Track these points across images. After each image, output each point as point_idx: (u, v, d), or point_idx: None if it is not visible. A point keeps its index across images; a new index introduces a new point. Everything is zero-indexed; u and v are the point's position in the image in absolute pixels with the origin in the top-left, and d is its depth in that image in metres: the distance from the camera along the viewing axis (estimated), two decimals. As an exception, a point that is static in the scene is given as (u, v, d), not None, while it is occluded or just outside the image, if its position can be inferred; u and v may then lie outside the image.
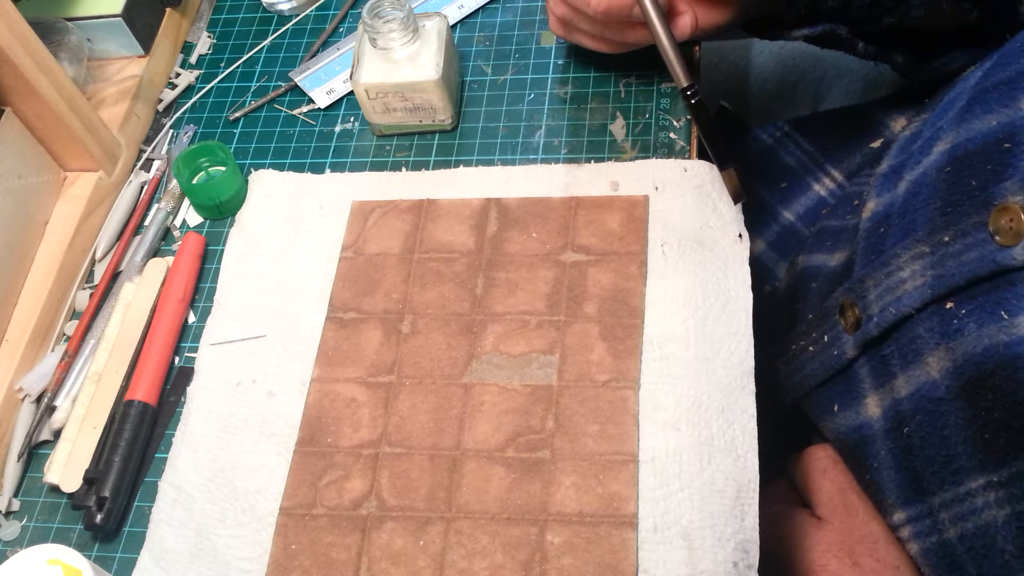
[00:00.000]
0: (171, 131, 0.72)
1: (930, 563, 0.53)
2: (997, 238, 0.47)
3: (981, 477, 0.49)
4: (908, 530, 0.54)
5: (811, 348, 0.61)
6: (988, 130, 0.50)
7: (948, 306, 0.50)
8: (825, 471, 0.59)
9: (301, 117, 0.71)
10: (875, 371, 0.56)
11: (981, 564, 0.50)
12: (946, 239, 0.50)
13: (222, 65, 0.75)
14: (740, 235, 0.58)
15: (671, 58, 0.56)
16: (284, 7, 0.77)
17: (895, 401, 0.54)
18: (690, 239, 0.59)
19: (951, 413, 0.50)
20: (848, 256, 0.62)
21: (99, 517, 0.54)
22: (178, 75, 0.75)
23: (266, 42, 0.76)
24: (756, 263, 0.71)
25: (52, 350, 0.63)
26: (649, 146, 0.64)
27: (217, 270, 0.64)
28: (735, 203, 0.59)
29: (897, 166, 0.59)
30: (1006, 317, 0.46)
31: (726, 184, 0.59)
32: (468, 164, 0.66)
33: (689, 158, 0.63)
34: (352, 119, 0.70)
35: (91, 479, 0.55)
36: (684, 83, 0.56)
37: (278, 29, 0.76)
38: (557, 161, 0.64)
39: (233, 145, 0.70)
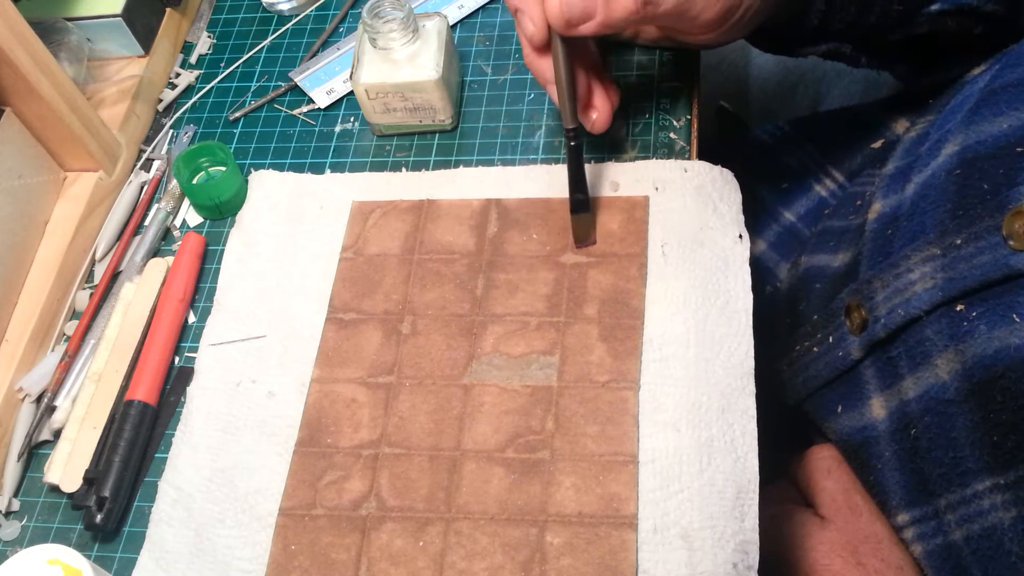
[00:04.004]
0: (171, 131, 0.72)
1: (934, 565, 0.53)
2: (1011, 242, 0.47)
3: (988, 479, 0.49)
4: (912, 531, 0.54)
5: (815, 349, 0.61)
6: (999, 133, 0.50)
7: (958, 308, 0.50)
8: (829, 471, 0.59)
9: (301, 117, 0.71)
10: (881, 372, 0.56)
11: (987, 566, 0.50)
12: (958, 242, 0.50)
13: (222, 65, 0.75)
14: (740, 236, 0.58)
15: (563, 99, 0.57)
16: (284, 7, 0.77)
17: (902, 403, 0.54)
18: (690, 240, 0.59)
19: (960, 415, 0.50)
20: (852, 257, 0.62)
21: (99, 517, 0.54)
22: (178, 75, 0.75)
23: (266, 42, 0.76)
24: (757, 264, 0.71)
25: (52, 350, 0.63)
26: (649, 146, 0.64)
27: (217, 270, 0.64)
28: (576, 247, 0.60)
29: (904, 168, 0.59)
30: (1017, 320, 0.46)
31: (572, 228, 0.60)
32: (468, 164, 0.66)
33: (689, 158, 0.63)
34: (352, 119, 0.70)
35: (91, 479, 0.55)
36: (571, 124, 0.57)
37: (278, 29, 0.76)
38: (557, 161, 0.64)
39: (233, 145, 0.70)
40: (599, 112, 0.59)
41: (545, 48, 0.57)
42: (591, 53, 0.60)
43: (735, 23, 0.56)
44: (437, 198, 0.63)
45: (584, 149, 0.59)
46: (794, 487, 0.62)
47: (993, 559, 0.49)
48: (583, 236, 0.60)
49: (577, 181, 0.59)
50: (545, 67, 0.58)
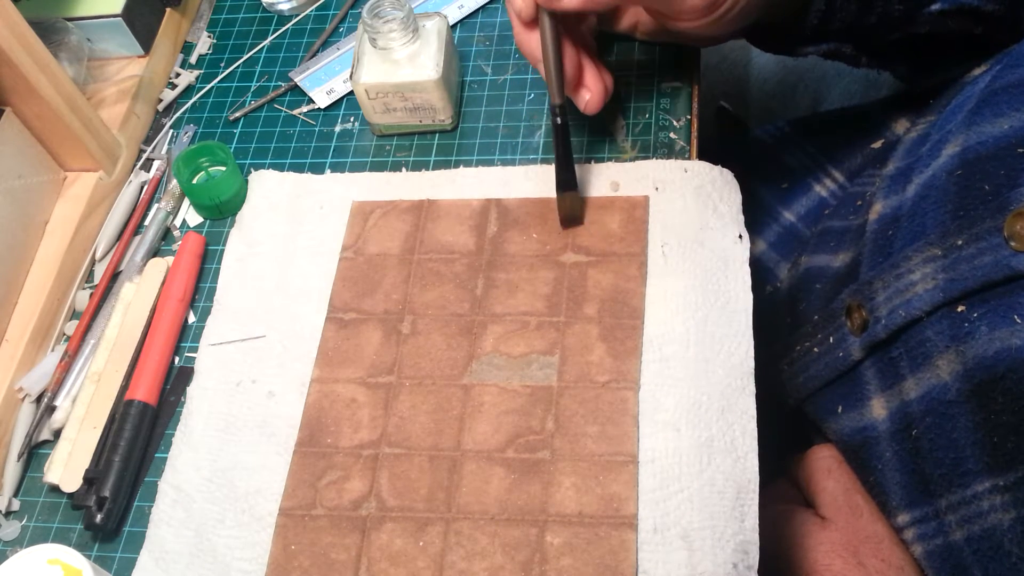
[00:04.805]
0: (171, 131, 0.72)
1: (935, 565, 0.53)
2: (1012, 243, 0.47)
3: (988, 480, 0.49)
4: (913, 532, 0.54)
5: (816, 349, 0.61)
6: (1000, 134, 0.50)
7: (959, 309, 0.50)
8: (829, 471, 0.59)
9: (301, 117, 0.71)
10: (882, 373, 0.56)
11: (987, 566, 0.50)
12: (959, 243, 0.50)
13: (222, 65, 0.75)
14: (740, 236, 0.58)
15: (550, 75, 0.57)
16: (284, 7, 0.77)
17: (904, 403, 0.54)
18: (690, 240, 0.59)
19: (960, 416, 0.50)
20: (853, 257, 0.62)
21: (99, 517, 0.54)
22: (178, 75, 0.75)
23: (266, 42, 0.76)
24: (757, 264, 0.71)
25: (52, 350, 0.63)
26: (649, 146, 0.64)
27: (217, 270, 0.64)
28: (562, 227, 0.60)
29: (905, 168, 0.59)
30: (1019, 321, 0.46)
31: (558, 207, 0.60)
32: (468, 164, 0.66)
33: (689, 158, 0.63)
34: (352, 119, 0.70)
35: (91, 479, 0.55)
36: (557, 100, 0.58)
37: (278, 29, 0.76)
38: (557, 161, 0.64)
39: (233, 145, 0.70)
40: (592, 92, 0.59)
41: (533, 24, 0.57)
42: (584, 36, 0.60)
43: (724, 13, 0.57)
44: (437, 198, 0.63)
45: (570, 128, 0.59)
46: (794, 487, 0.62)
47: (993, 560, 0.49)
48: (570, 216, 0.60)
49: (563, 159, 0.59)
50: (534, 44, 0.58)
